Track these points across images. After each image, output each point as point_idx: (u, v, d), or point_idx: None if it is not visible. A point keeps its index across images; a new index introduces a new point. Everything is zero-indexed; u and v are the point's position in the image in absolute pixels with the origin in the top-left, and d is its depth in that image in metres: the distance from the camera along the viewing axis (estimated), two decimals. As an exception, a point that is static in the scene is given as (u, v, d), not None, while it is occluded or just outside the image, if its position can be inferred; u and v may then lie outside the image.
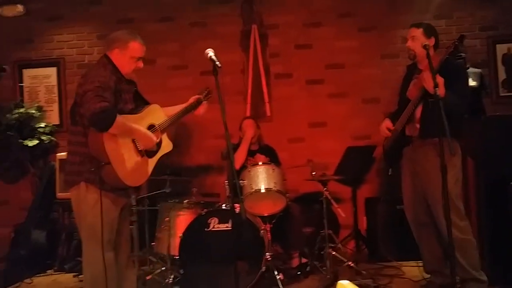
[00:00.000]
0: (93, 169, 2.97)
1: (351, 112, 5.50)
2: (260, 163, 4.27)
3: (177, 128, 5.56)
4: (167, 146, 3.34)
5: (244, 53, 5.59)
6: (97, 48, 5.70)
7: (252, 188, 4.11)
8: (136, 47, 3.17)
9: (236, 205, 3.23)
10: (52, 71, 5.71)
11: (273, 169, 4.21)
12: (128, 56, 3.16)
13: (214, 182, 5.31)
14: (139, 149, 3.10)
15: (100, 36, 5.69)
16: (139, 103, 3.32)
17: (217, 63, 2.80)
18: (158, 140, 3.23)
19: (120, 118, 2.92)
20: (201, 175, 5.50)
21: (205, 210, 4.05)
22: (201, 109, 3.57)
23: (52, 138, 5.54)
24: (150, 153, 3.20)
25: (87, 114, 2.87)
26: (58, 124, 5.66)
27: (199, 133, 5.55)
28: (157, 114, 3.32)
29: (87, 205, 3.04)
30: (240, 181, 4.15)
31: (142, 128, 3.12)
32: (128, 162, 3.01)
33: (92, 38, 5.73)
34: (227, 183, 4.24)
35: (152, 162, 3.21)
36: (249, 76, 5.56)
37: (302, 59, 5.57)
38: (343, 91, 5.53)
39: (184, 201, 4.42)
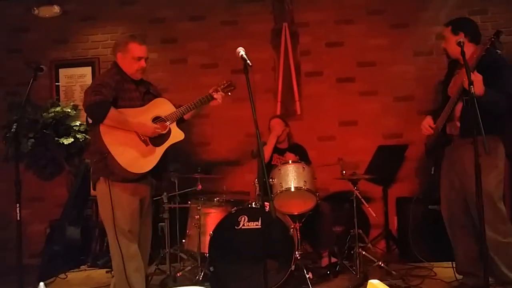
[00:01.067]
0: (95, 160, 3.22)
1: (383, 110, 5.45)
2: (290, 161, 4.26)
3: (208, 126, 5.63)
4: (177, 135, 3.46)
5: (275, 51, 5.60)
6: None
7: (282, 187, 4.10)
8: (135, 48, 3.38)
9: (266, 203, 3.25)
10: (87, 70, 5.84)
11: (303, 167, 4.20)
12: (130, 57, 3.37)
13: (244, 180, 5.34)
14: (142, 138, 3.28)
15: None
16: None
17: (248, 61, 2.81)
18: (165, 130, 3.38)
19: (114, 111, 3.16)
20: (231, 173, 5.54)
21: (235, 208, 4.07)
22: (217, 100, 3.66)
23: (87, 137, 5.66)
24: (157, 142, 3.34)
25: (83, 107, 3.17)
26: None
27: (229, 131, 5.59)
28: (164, 106, 3.47)
29: (106, 197, 3.21)
30: (270, 180, 4.15)
31: (137, 119, 3.28)
32: (131, 151, 3.21)
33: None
34: (257, 181, 4.25)
35: (159, 150, 3.34)
36: (279, 74, 5.56)
37: (333, 57, 5.55)
38: (374, 89, 5.47)
39: (215, 199, 4.47)
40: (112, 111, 3.15)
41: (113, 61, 3.44)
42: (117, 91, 3.24)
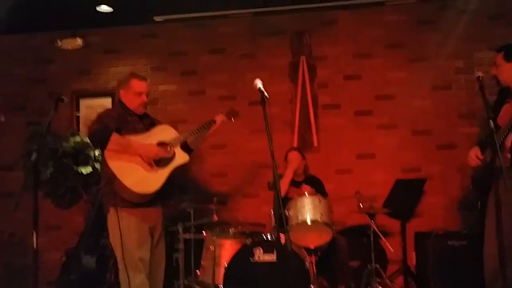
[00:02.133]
0: (104, 186, 3.37)
1: (401, 144, 5.42)
2: (306, 193, 4.26)
3: (225, 157, 5.66)
4: (181, 158, 3.58)
5: (293, 84, 5.65)
6: (149, 79, 5.88)
7: (298, 219, 4.09)
8: (136, 84, 3.59)
9: (282, 235, 3.24)
10: (107, 101, 5.93)
11: (320, 200, 4.18)
12: (132, 93, 3.57)
13: (260, 212, 5.33)
14: (147, 161, 3.39)
15: (153, 68, 5.90)
16: None
17: (265, 93, 2.87)
18: (170, 154, 3.51)
19: (116, 136, 3.33)
20: (247, 205, 5.53)
21: (250, 239, 4.06)
22: (216, 122, 3.90)
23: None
24: (162, 165, 3.45)
25: (87, 136, 3.46)
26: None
27: (246, 163, 5.60)
28: (167, 132, 3.64)
29: (115, 225, 3.32)
30: (286, 211, 4.14)
31: (140, 142, 3.42)
32: (136, 173, 3.34)
33: (146, 70, 5.91)
34: (273, 213, 4.25)
35: (165, 172, 3.46)
36: (296, 107, 5.60)
37: (351, 90, 5.57)
38: (392, 123, 5.47)
39: (230, 230, 4.46)
40: (115, 136, 3.30)
41: (117, 99, 3.64)
42: (119, 122, 3.42)
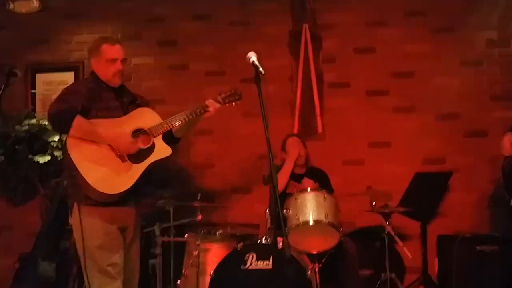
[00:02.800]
0: (66, 176, 3.34)
1: (421, 130, 5.44)
2: (309, 189, 4.26)
3: (211, 145, 5.65)
4: (162, 150, 3.47)
5: (293, 57, 5.65)
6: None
7: (299, 220, 4.09)
8: (107, 49, 3.50)
9: (279, 238, 3.25)
10: (69, 76, 5.89)
11: (325, 196, 4.19)
12: (103, 60, 3.49)
13: (253, 210, 5.33)
14: (118, 154, 3.33)
15: (125, 37, 5.80)
16: None
17: (260, 69, 2.86)
18: (147, 145, 3.41)
19: (81, 120, 3.25)
20: (238, 202, 5.55)
21: (242, 244, 4.06)
22: (211, 109, 3.62)
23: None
24: (137, 158, 3.38)
25: (47, 117, 3.37)
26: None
27: (237, 152, 5.61)
28: (147, 117, 3.52)
29: (78, 227, 3.29)
30: (285, 210, 4.15)
31: (112, 130, 3.33)
32: (102, 168, 3.28)
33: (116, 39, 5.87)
34: (268, 212, 4.25)
35: (139, 167, 3.37)
36: (298, 85, 5.60)
37: (363, 65, 5.57)
38: (411, 105, 5.48)
39: (217, 233, 4.46)
40: (79, 120, 3.25)
41: (91, 70, 3.57)
42: (90, 100, 3.36)
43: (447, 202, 5.35)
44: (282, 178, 4.70)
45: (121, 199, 3.32)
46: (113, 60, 3.47)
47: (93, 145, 3.29)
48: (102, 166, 3.28)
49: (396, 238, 4.39)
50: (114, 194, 3.27)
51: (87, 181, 3.21)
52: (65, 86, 3.59)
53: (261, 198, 5.19)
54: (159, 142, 3.48)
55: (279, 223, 2.87)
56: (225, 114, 3.83)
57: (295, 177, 4.83)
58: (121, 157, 3.34)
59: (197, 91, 5.67)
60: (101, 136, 3.31)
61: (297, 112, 5.58)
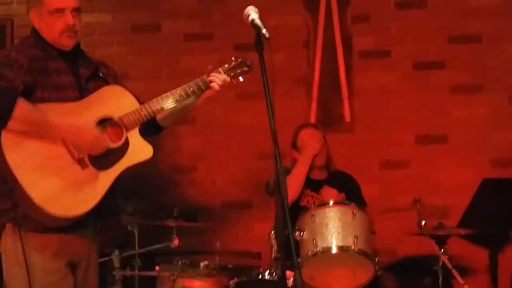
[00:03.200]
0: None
1: (492, 118, 5.46)
2: (331, 202, 4.28)
3: (195, 140, 5.64)
4: (139, 151, 3.38)
5: (310, 15, 5.66)
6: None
7: (318, 246, 4.10)
8: None
9: (289, 273, 3.25)
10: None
11: (354, 213, 4.19)
12: (46, 13, 3.32)
13: (253, 232, 5.35)
14: (76, 156, 3.21)
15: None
16: None
17: (264, 31, 2.84)
18: (119, 142, 3.31)
19: (25, 105, 3.09)
20: (232, 221, 5.57)
21: (236, 279, 4.09)
22: (216, 84, 3.51)
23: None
24: (103, 163, 3.27)
25: None
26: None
27: (230, 149, 5.63)
28: (118, 101, 3.40)
29: (14, 258, 3.19)
30: (297, 233, 4.16)
31: (68, 121, 3.21)
32: (55, 178, 3.15)
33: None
34: (273, 235, 4.26)
35: (108, 176, 3.27)
36: (317, 54, 5.61)
37: (408, 26, 5.59)
38: (478, 82, 5.49)
39: (201, 264, 4.46)
40: (22, 105, 3.10)
41: (31, 27, 3.45)
42: (33, 74, 3.22)
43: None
44: (294, 185, 4.69)
45: (74, 222, 3.28)
46: (60, 10, 3.33)
47: (41, 144, 3.17)
48: (53, 174, 3.16)
49: (455, 273, 4.39)
50: (70, 217, 3.18)
51: (31, 196, 3.06)
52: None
53: (263, 215, 5.22)
54: (135, 138, 3.36)
55: (289, 251, 2.86)
56: (213, 96, 3.80)
57: (312, 185, 4.86)
58: (80, 162, 3.21)
59: (173, 62, 5.69)
60: (53, 128, 3.20)
61: (315, 93, 5.59)
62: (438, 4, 5.57)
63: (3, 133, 3.10)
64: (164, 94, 3.41)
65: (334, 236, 4.12)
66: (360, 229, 4.16)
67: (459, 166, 5.41)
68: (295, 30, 5.62)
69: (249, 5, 2.91)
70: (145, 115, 3.38)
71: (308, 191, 4.81)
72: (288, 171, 4.76)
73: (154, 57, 5.70)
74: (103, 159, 3.27)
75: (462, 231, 4.68)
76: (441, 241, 4.39)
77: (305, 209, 4.37)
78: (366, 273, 4.17)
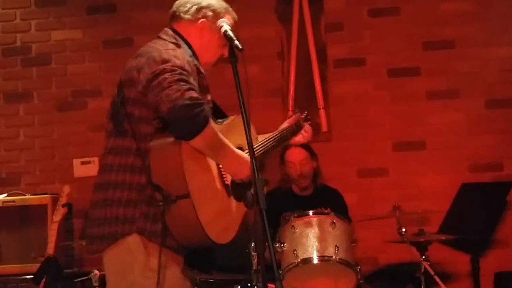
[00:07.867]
0: (161, 204, 2.86)
1: (468, 124, 5.49)
2: (311, 212, 4.29)
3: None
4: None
5: (284, 25, 5.68)
6: (35, 21, 5.88)
7: (298, 257, 4.12)
8: (229, 19, 3.15)
9: (271, 286, 3.25)
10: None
11: (334, 222, 4.21)
12: (217, 36, 3.13)
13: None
14: (226, 182, 3.11)
15: (43, 2, 5.85)
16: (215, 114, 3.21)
17: (236, 43, 2.84)
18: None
19: (215, 125, 2.96)
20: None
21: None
22: (302, 133, 3.67)
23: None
24: (237, 193, 3.16)
25: (167, 106, 2.81)
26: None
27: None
28: (242, 132, 3.11)
29: (141, 274, 2.95)
30: (277, 244, 4.17)
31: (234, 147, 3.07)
32: (215, 203, 3.04)
33: (29, 5, 5.87)
34: (254, 248, 4.26)
35: (240, 208, 3.14)
36: (291, 65, 5.63)
37: (382, 34, 5.63)
38: (453, 88, 5.53)
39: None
40: (213, 126, 2.93)
41: (169, 28, 3.39)
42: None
43: (509, 225, 5.40)
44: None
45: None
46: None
47: (208, 165, 3.01)
48: (214, 199, 3.02)
49: (437, 279, 4.41)
50: (218, 243, 2.99)
51: (198, 217, 2.86)
52: None
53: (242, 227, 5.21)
54: None
55: (269, 263, 2.86)
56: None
57: (299, 202, 4.88)
58: (226, 188, 3.11)
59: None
60: (226, 155, 3.00)
61: (290, 103, 5.60)
62: (411, 11, 5.61)
63: (183, 145, 2.89)
64: (272, 135, 3.53)
65: (314, 247, 4.13)
66: (341, 238, 4.18)
67: (438, 172, 5.45)
68: (268, 41, 5.64)
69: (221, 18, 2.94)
70: (264, 151, 3.39)
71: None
72: (266, 182, 4.77)
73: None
74: (236, 190, 3.16)
75: (443, 237, 4.71)
76: (422, 247, 4.40)
77: (286, 220, 4.36)
78: (348, 283, 4.19)
